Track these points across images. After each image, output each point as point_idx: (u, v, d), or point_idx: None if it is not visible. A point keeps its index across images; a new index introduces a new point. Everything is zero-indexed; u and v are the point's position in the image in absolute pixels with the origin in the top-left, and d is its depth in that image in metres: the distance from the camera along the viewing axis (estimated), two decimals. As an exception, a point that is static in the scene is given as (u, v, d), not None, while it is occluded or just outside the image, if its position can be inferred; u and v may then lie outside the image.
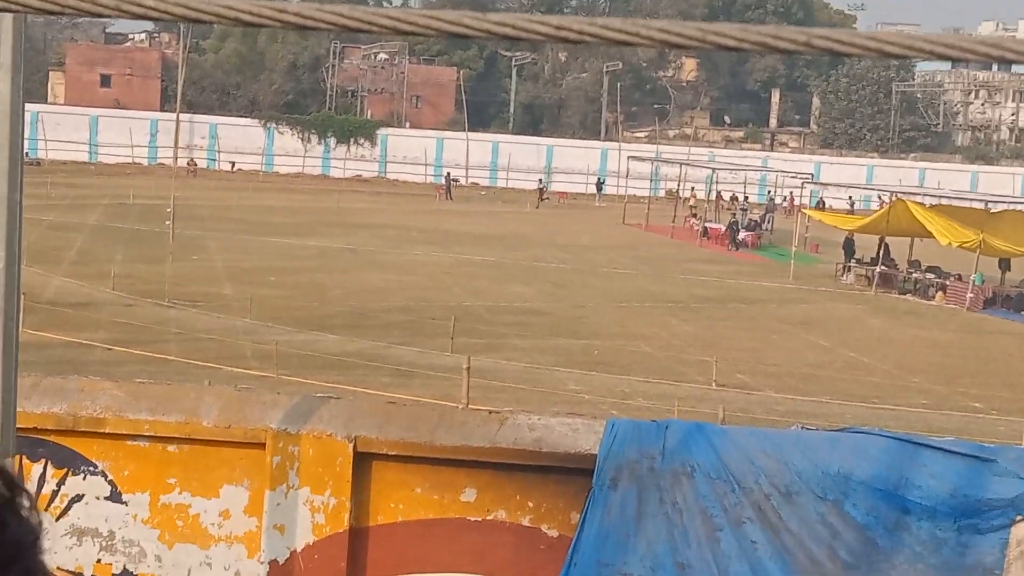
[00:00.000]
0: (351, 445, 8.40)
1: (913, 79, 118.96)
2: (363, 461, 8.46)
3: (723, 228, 66.16)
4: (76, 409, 8.61)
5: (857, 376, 31.12)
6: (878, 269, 50.02)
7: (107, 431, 8.60)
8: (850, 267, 52.58)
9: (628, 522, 8.46)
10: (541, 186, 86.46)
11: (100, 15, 1.73)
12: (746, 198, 79.28)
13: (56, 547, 8.69)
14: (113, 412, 8.61)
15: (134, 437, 8.59)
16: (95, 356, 27.94)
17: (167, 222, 41.07)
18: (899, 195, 52.74)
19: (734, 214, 67.33)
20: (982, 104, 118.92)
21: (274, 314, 34.65)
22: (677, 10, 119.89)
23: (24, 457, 8.46)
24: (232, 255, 47.22)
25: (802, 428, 9.67)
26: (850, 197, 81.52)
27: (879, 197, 71.73)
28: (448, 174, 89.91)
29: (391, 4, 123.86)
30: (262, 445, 8.48)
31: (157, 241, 45.22)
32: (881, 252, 50.75)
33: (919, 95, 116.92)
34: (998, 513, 8.23)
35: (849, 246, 53.47)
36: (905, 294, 49.00)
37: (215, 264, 44.83)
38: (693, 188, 77.30)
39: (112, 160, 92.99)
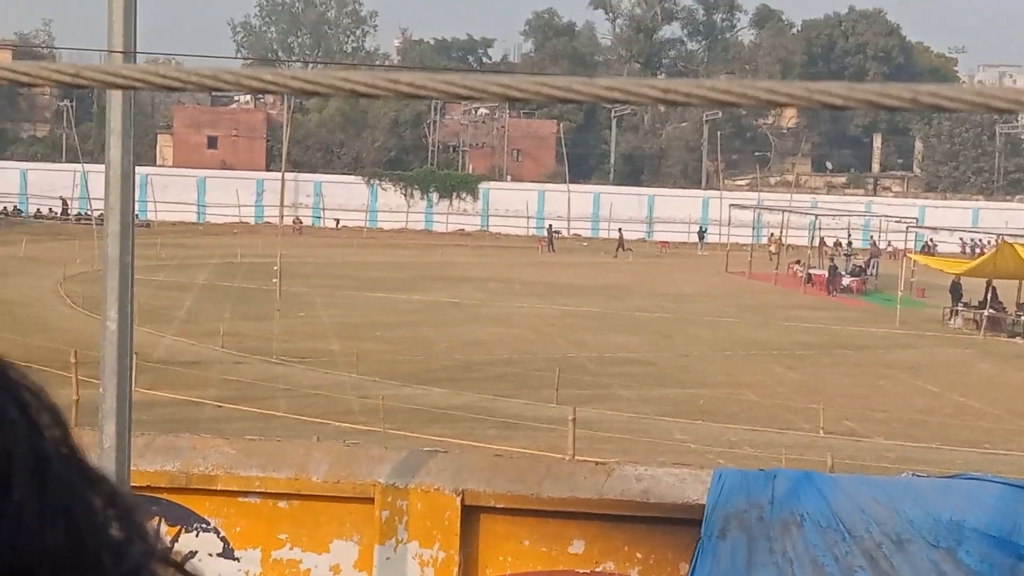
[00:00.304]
0: (459, 498, 8.45)
1: (1017, 120, 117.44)
2: (471, 514, 8.50)
3: (827, 274, 65.65)
4: (188, 467, 8.75)
5: (967, 421, 30.68)
6: (986, 312, 49.35)
7: (219, 488, 8.72)
8: (957, 311, 51.91)
9: (738, 572, 8.43)
10: (620, 234, 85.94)
11: (220, 90, 1.80)
12: (850, 243, 78.73)
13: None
14: (224, 469, 8.73)
15: (245, 494, 8.71)
16: (205, 414, 28.27)
17: (274, 280, 41.59)
18: (1005, 237, 52.01)
19: (832, 258, 66.72)
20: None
21: (380, 369, 34.87)
22: (776, 57, 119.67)
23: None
24: (338, 311, 47.60)
25: (913, 475, 9.59)
26: (961, 239, 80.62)
27: (979, 240, 70.91)
28: (550, 226, 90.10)
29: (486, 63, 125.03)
30: (371, 500, 8.55)
31: (264, 299, 45.75)
32: (989, 295, 50.07)
33: (1023, 136, 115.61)
34: (1114, 558, 8.10)
35: (956, 290, 52.80)
36: (1014, 337, 48.28)
37: (321, 320, 45.22)
38: (773, 234, 77.21)
39: (220, 220, 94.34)
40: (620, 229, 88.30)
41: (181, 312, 46.10)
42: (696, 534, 8.42)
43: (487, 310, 49.85)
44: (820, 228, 77.06)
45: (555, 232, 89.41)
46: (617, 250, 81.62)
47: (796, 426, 29.29)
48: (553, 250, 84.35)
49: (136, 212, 8.67)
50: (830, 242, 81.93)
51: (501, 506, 8.49)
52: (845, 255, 74.90)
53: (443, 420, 28.06)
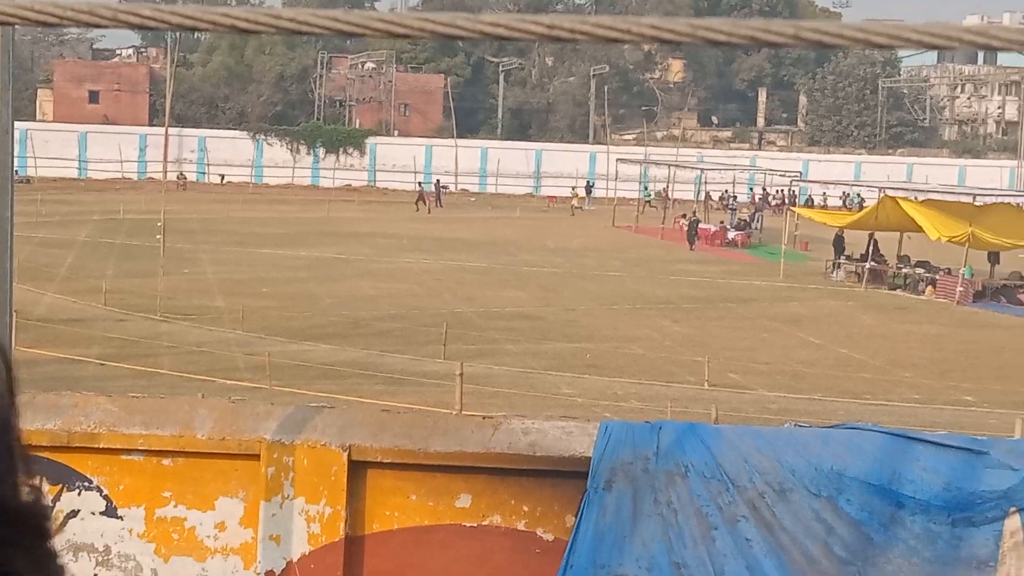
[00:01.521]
0: (346, 454, 8.42)
1: (899, 75, 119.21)
2: (358, 470, 8.48)
3: (713, 228, 66.22)
4: (70, 425, 8.63)
5: (848, 372, 31.18)
6: (868, 265, 50.12)
7: (101, 446, 8.61)
8: (840, 264, 52.65)
9: (623, 523, 8.49)
10: (420, 188, 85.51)
11: (97, 25, 1.76)
12: (734, 197, 79.54)
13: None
14: (107, 427, 8.62)
15: (128, 451, 8.61)
16: (88, 372, 27.94)
17: (157, 236, 41.08)
18: (887, 190, 52.79)
19: (694, 212, 67.09)
20: (968, 98, 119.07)
21: (266, 325, 34.67)
22: (663, 11, 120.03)
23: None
24: (223, 267, 47.22)
25: (795, 426, 9.72)
26: (845, 193, 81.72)
27: (858, 195, 72.01)
28: (437, 181, 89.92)
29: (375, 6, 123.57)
30: (256, 456, 8.50)
31: (148, 255, 45.23)
32: (871, 248, 50.83)
33: (905, 91, 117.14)
34: (991, 505, 8.27)
35: (839, 243, 53.54)
36: (895, 289, 49.10)
37: (206, 277, 44.83)
38: (650, 189, 79.79)
39: (102, 176, 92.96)
40: (438, 181, 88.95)
41: (62, 269, 45.45)
42: (582, 486, 8.47)
43: (374, 265, 49.72)
44: (706, 183, 77.78)
45: (443, 187, 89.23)
46: (417, 203, 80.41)
47: (681, 379, 29.58)
48: (440, 205, 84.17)
49: (16, 168, 8.51)
50: (716, 196, 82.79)
51: (388, 461, 8.47)
52: (730, 209, 75.70)
53: (330, 376, 28.00)
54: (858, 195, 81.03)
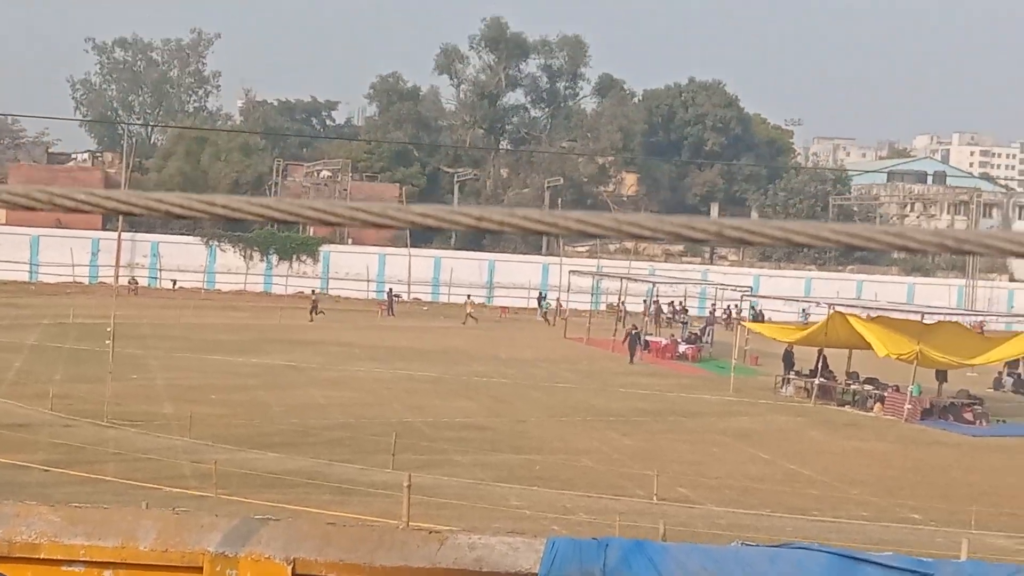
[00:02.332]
0: (290, 567, 8.37)
1: (850, 192, 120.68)
2: (302, 584, 8.41)
3: (663, 341, 66.48)
4: (11, 535, 8.54)
5: (797, 488, 31.21)
6: (817, 381, 50.37)
7: (42, 556, 8.53)
8: (789, 379, 52.89)
9: (568, 642, 8.44)
10: (314, 297, 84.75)
11: (31, 208, 1.79)
12: (685, 310, 80.00)
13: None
14: (48, 538, 8.54)
15: (70, 563, 8.52)
16: (32, 478, 27.65)
17: (107, 341, 40.85)
18: (837, 307, 53.20)
19: (634, 326, 66.59)
20: (917, 216, 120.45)
21: (214, 432, 34.45)
22: (617, 126, 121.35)
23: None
24: (172, 373, 46.99)
25: (742, 544, 9.71)
26: (804, 309, 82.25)
27: (803, 311, 72.49)
28: (390, 290, 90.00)
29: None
30: (200, 569, 8.43)
31: (97, 360, 44.94)
32: (819, 364, 51.12)
33: (856, 208, 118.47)
34: (935, 628, 8.27)
35: (788, 358, 53.83)
36: (844, 405, 49.32)
37: (155, 383, 44.58)
38: (611, 303, 79.06)
39: (53, 280, 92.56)
40: (390, 290, 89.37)
41: (9, 373, 45.09)
42: (527, 603, 8.43)
43: (325, 374, 49.58)
44: (657, 295, 78.23)
45: (395, 296, 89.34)
46: (311, 313, 78.65)
47: (630, 492, 29.54)
48: (392, 314, 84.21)
49: (-37, 273, 8.49)
50: (667, 309, 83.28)
51: (333, 575, 8.42)
52: (681, 323, 76.11)
53: (277, 485, 27.80)
54: (803, 311, 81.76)
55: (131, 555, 8.49)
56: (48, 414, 36.78)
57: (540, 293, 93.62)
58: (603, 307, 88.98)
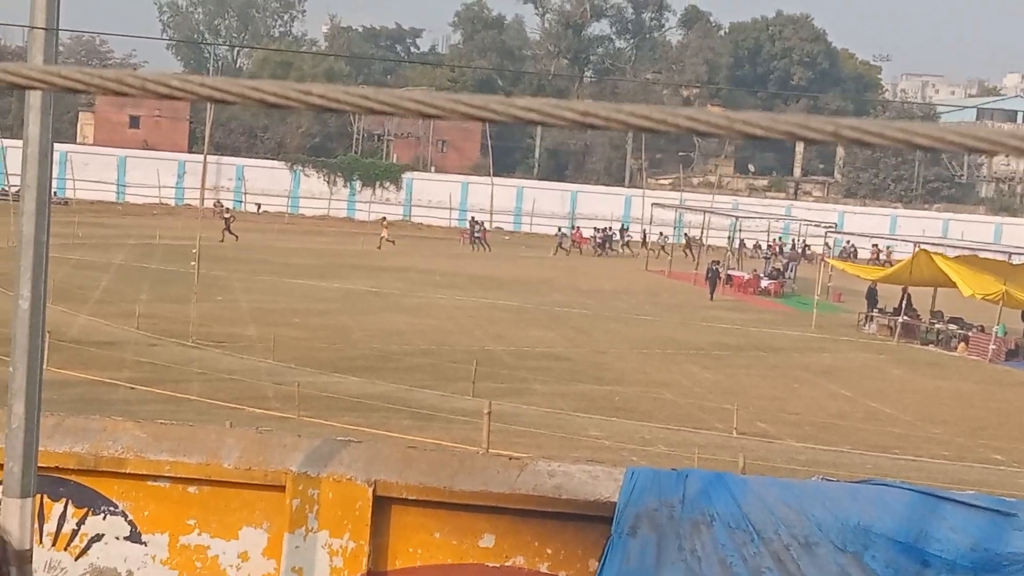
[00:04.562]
0: (371, 489, 8.42)
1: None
2: (382, 505, 8.47)
3: (746, 276, 66.11)
4: (98, 449, 8.66)
5: (878, 427, 31.01)
6: (900, 319, 49.90)
7: (128, 471, 8.64)
8: (872, 317, 52.45)
9: (647, 570, 8.46)
10: (560, 234, 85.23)
11: (125, 94, 1.77)
12: (769, 246, 79.44)
13: (75, 586, 8.72)
14: (134, 453, 8.65)
15: (155, 478, 8.63)
16: (118, 395, 28.02)
17: (192, 262, 41.23)
18: (922, 245, 52.61)
19: (717, 261, 65.37)
20: (1006, 156, 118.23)
21: (297, 355, 34.72)
22: (703, 59, 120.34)
23: (45, 496, 8.50)
24: (256, 296, 47.36)
25: (823, 479, 9.66)
26: (875, 245, 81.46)
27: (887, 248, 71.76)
28: (473, 218, 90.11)
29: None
30: (282, 488, 8.51)
31: (182, 281, 45.39)
32: (904, 302, 50.63)
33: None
34: (1018, 568, 8.21)
35: (872, 296, 53.34)
36: (927, 345, 48.85)
37: (239, 305, 44.96)
38: (686, 234, 78.25)
39: (139, 200, 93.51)
40: (560, 229, 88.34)
41: (97, 292, 45.67)
42: (607, 531, 8.44)
43: (407, 300, 49.78)
44: (740, 230, 77.73)
45: (479, 224, 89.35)
46: (557, 249, 79.12)
47: (710, 426, 29.48)
48: (484, 245, 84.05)
49: (54, 190, 8.56)
50: (751, 244, 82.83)
51: (413, 498, 8.46)
52: (764, 257, 75.64)
53: (358, 409, 28.00)
54: (880, 248, 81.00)
55: (215, 472, 8.58)
56: (134, 332, 37.22)
57: (622, 224, 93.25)
58: (684, 241, 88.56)
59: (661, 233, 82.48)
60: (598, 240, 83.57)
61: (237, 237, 69.87)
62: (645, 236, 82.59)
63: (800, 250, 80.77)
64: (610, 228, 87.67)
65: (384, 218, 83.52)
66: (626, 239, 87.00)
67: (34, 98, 7.85)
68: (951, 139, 1.62)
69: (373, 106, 1.67)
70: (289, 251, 67.47)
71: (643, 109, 1.56)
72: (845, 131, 1.59)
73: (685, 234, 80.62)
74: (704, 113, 1.59)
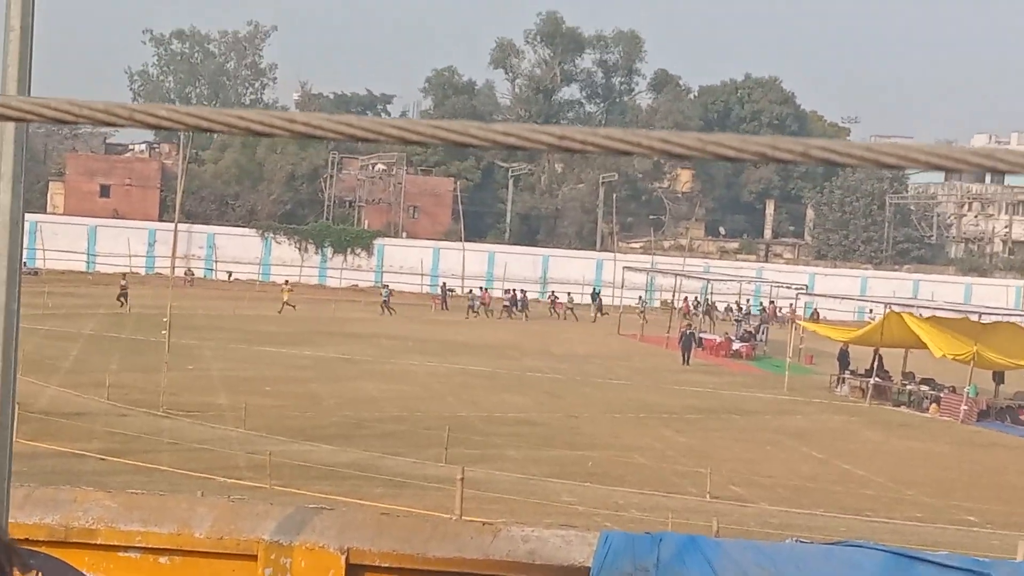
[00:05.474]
0: (344, 556, 8.38)
1: (907, 191, 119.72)
2: (356, 573, 8.42)
3: (718, 339, 66.24)
4: (68, 520, 8.59)
5: (851, 488, 31.02)
6: (872, 381, 50.04)
7: (99, 542, 8.57)
8: (844, 379, 52.59)
9: (621, 636, 8.42)
10: (471, 296, 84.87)
11: (113, 124, 1.78)
12: (739, 308, 79.71)
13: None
14: (105, 523, 8.59)
15: (126, 548, 8.56)
16: (88, 466, 27.85)
17: (163, 331, 41.12)
18: (893, 307, 52.85)
19: (690, 325, 65.54)
20: (975, 216, 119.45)
21: (268, 424, 34.60)
22: (672, 121, 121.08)
23: (15, 569, 8.42)
24: (227, 364, 47.23)
25: (796, 541, 9.66)
26: (871, 310, 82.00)
27: (870, 310, 72.10)
28: (444, 284, 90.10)
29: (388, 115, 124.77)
30: (254, 557, 8.45)
31: (153, 350, 45.22)
32: (875, 364, 50.79)
33: (912, 207, 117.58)
34: (992, 628, 8.20)
35: (844, 357, 53.52)
36: (899, 406, 48.98)
37: (210, 373, 44.82)
38: (664, 300, 79.11)
39: (110, 270, 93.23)
40: (444, 284, 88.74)
41: (67, 362, 45.46)
42: (581, 597, 8.41)
43: (379, 367, 49.70)
44: (712, 293, 78.01)
45: (449, 290, 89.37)
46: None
47: (683, 490, 29.45)
48: (447, 308, 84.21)
49: (24, 259, 8.53)
50: (722, 307, 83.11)
51: (386, 565, 8.42)
52: (736, 320, 75.86)
53: (330, 477, 27.89)
54: (868, 311, 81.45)
55: (187, 542, 8.52)
56: (104, 403, 37.03)
57: (594, 289, 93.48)
58: (657, 304, 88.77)
59: (568, 294, 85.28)
60: (505, 303, 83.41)
61: (124, 304, 68.98)
62: (553, 299, 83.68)
63: (771, 312, 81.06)
64: (515, 291, 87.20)
65: (286, 281, 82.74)
66: (526, 300, 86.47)
67: (5, 165, 7.86)
68: (916, 157, 1.65)
69: (356, 132, 1.69)
70: (260, 319, 67.37)
71: (617, 132, 1.58)
72: (814, 151, 1.62)
73: (712, 303, 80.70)
74: (677, 135, 1.61)
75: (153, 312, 57.10)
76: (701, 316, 71.89)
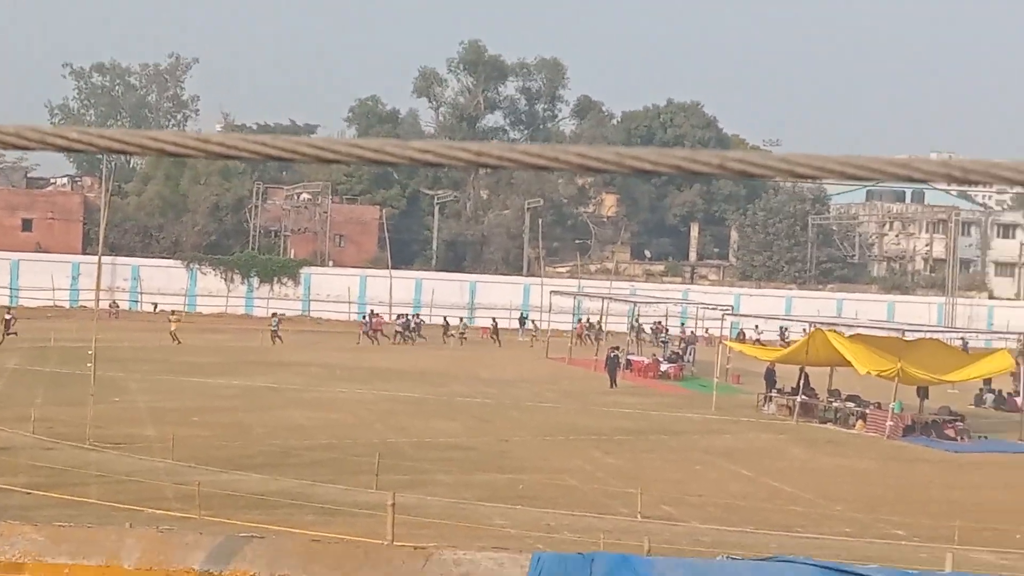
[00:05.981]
0: (275, 584, 8.35)
1: (828, 212, 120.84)
2: (287, 600, 8.40)
3: (645, 360, 66.50)
4: (-5, 553, 8.51)
5: (780, 505, 31.23)
6: (799, 399, 50.39)
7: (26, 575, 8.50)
8: (771, 397, 52.93)
9: (554, 656, 8.44)
10: (364, 321, 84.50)
11: (25, 148, 1.79)
12: (666, 330, 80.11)
13: None
14: (32, 557, 8.52)
15: (54, 581, 8.49)
16: (14, 501, 27.51)
17: (88, 364, 40.72)
18: (817, 325, 53.29)
19: (615, 348, 65.28)
20: (896, 235, 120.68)
21: (196, 454, 34.34)
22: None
23: (-59, 604, 8.34)
24: (154, 396, 46.87)
25: (728, 558, 9.74)
26: (782, 328, 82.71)
27: (803, 329, 72.73)
28: (371, 311, 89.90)
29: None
30: (184, 586, 8.41)
31: (78, 383, 44.76)
32: (801, 382, 51.16)
33: (835, 227, 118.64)
34: (920, 638, 8.31)
35: (770, 376, 53.88)
36: (826, 423, 49.33)
37: (137, 405, 44.46)
38: (582, 319, 79.89)
39: (33, 304, 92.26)
40: (371, 311, 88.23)
41: (-10, 397, 44.92)
42: (513, 618, 8.43)
43: (307, 395, 49.50)
44: (639, 316, 78.30)
45: (376, 316, 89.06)
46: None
47: (614, 510, 29.52)
48: (373, 339, 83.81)
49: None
50: (649, 329, 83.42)
51: (318, 592, 8.41)
52: (662, 341, 76.20)
53: (261, 506, 27.73)
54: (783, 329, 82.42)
55: (116, 573, 8.47)
56: (30, 437, 36.63)
57: (521, 314, 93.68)
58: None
59: (461, 319, 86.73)
60: (397, 328, 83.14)
61: (9, 332, 68.87)
62: (446, 324, 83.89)
63: (696, 333, 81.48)
64: (409, 316, 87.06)
65: (173, 311, 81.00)
66: (420, 324, 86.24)
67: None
68: (831, 168, 1.70)
69: (271, 152, 1.71)
70: (187, 349, 66.90)
71: (535, 148, 1.62)
72: (731, 163, 1.66)
73: (639, 325, 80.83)
74: (595, 150, 1.65)
75: (78, 345, 56.52)
76: (628, 339, 72.04)
